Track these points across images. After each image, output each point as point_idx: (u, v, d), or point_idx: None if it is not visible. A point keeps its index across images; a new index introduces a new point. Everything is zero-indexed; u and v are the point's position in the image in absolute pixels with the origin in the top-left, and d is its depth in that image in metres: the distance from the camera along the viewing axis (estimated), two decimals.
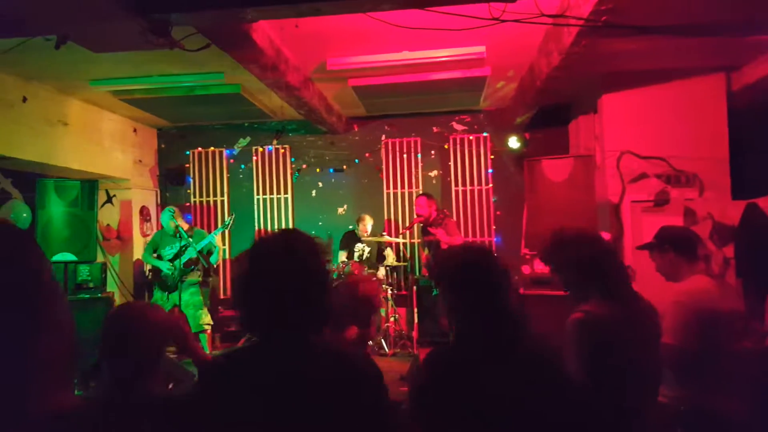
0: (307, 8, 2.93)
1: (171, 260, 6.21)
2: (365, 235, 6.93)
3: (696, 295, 2.76)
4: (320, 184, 7.87)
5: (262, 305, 1.51)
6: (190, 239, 6.07)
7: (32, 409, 0.90)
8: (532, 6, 3.53)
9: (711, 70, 5.64)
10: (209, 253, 6.25)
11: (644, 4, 3.84)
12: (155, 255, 6.32)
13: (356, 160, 7.77)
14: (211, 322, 6.16)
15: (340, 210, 7.78)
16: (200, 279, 6.28)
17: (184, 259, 6.05)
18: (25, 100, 5.61)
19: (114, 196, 7.44)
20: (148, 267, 6.79)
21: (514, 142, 6.97)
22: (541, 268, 5.13)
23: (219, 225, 7.33)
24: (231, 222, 6.50)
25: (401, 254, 7.43)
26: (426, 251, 5.88)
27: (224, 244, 7.75)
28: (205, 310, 6.10)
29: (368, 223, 6.97)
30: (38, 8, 2.77)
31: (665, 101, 5.75)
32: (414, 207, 6.16)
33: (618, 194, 5.79)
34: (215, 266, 6.33)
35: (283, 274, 1.51)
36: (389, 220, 7.63)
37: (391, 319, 6.58)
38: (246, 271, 1.57)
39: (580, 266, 2.29)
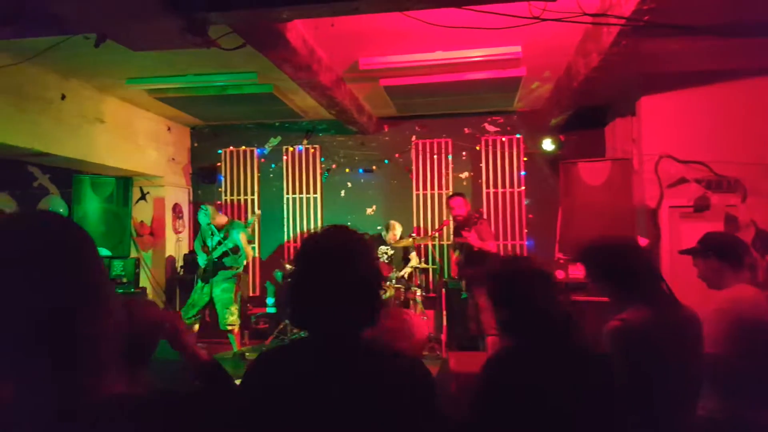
0: (343, 7, 2.90)
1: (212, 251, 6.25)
2: (394, 242, 6.88)
3: (740, 303, 2.66)
4: (349, 184, 7.86)
5: (312, 303, 1.50)
6: (224, 238, 6.11)
7: (85, 395, 0.90)
8: (572, 5, 3.45)
9: (757, 72, 5.45)
10: (235, 250, 6.23)
11: (688, 3, 3.72)
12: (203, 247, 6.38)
13: (386, 161, 7.74)
14: (237, 322, 6.17)
15: (369, 210, 7.76)
16: (238, 272, 6.26)
17: (217, 253, 6.09)
18: (63, 97, 5.71)
19: (148, 193, 7.55)
20: (180, 263, 6.86)
21: (548, 144, 6.85)
22: (575, 273, 5.03)
23: (256, 224, 7.37)
24: (255, 220, 6.52)
25: (430, 257, 7.37)
26: (457, 253, 5.80)
27: (253, 242, 7.79)
28: (233, 309, 6.12)
29: (397, 230, 6.92)
30: (82, 7, 2.81)
31: (707, 104, 5.58)
32: (448, 208, 6.09)
33: (656, 199, 5.65)
34: (240, 267, 6.31)
35: (333, 271, 1.49)
36: (417, 226, 7.58)
37: None
38: (296, 267, 1.57)
39: (618, 275, 2.24)
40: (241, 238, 6.13)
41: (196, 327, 6.19)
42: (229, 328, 6.08)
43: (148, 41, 3.34)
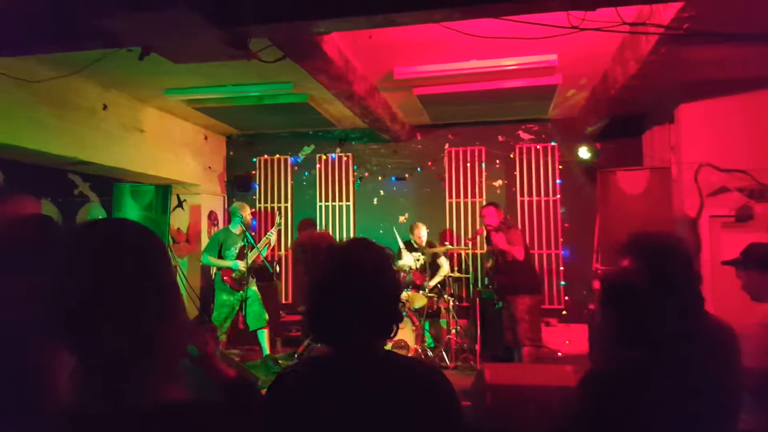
0: (382, 19, 2.93)
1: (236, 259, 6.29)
2: (420, 243, 6.83)
3: None
4: (382, 192, 7.89)
5: (334, 315, 1.51)
6: (255, 242, 6.18)
7: (145, 400, 0.93)
8: (611, 14, 3.42)
9: None
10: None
11: (729, 10, 3.65)
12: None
13: (418, 169, 7.75)
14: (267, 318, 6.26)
15: (401, 218, 7.76)
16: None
17: (250, 259, 6.15)
18: (105, 108, 5.88)
19: (184, 200, 7.69)
20: (213, 269, 6.93)
21: (584, 152, 6.77)
22: None
23: (290, 231, 7.46)
24: (280, 221, 6.60)
25: (464, 265, 7.33)
26: (489, 262, 5.77)
27: (284, 250, 7.87)
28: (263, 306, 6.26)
29: (422, 230, 6.85)
30: (131, 22, 2.90)
31: (748, 111, 5.45)
32: (480, 217, 6.06)
33: (696, 208, 5.53)
34: (276, 272, 6.39)
35: (355, 285, 1.50)
36: (450, 230, 7.55)
37: (452, 331, 6.49)
38: (318, 280, 1.58)
39: (661, 274, 2.16)
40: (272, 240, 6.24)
41: (224, 338, 6.29)
42: (265, 325, 6.16)
43: (191, 54, 3.42)
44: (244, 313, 6.26)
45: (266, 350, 6.20)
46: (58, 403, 1.83)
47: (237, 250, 6.20)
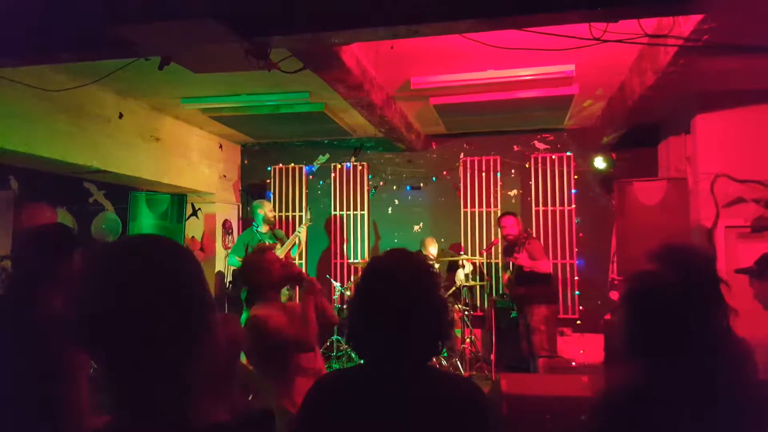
0: (404, 30, 2.94)
1: None
2: (432, 257, 6.84)
3: None
4: (396, 202, 7.89)
5: (376, 330, 1.47)
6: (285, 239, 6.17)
7: (188, 420, 0.92)
8: (633, 25, 3.41)
9: None
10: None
11: (749, 22, 3.63)
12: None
13: (433, 178, 7.75)
14: None
15: (416, 228, 7.76)
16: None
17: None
18: (121, 116, 5.92)
19: (199, 209, 7.73)
20: (229, 279, 6.90)
21: (600, 162, 6.75)
22: None
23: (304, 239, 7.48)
24: (310, 216, 6.59)
25: (480, 273, 7.31)
26: (508, 273, 5.74)
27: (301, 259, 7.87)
28: None
29: (430, 246, 6.88)
30: (153, 32, 2.92)
31: (765, 122, 5.41)
32: (499, 227, 6.04)
33: (711, 219, 5.48)
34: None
35: (402, 298, 1.45)
36: (461, 243, 7.53)
37: (467, 340, 6.46)
38: (360, 293, 1.54)
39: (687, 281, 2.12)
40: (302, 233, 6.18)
41: None
42: None
43: (212, 64, 3.45)
44: None
45: None
46: (80, 415, 1.84)
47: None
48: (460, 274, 6.87)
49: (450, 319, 1.53)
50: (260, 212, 6.25)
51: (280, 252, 6.10)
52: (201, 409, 0.94)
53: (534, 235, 6.31)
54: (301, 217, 8.01)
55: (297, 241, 6.44)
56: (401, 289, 1.47)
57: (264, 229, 6.28)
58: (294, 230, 7.76)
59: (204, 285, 1.00)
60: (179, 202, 6.91)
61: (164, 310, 0.92)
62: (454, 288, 6.76)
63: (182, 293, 0.96)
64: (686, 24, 3.43)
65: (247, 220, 8.02)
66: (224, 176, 7.93)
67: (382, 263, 1.58)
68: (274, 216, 6.43)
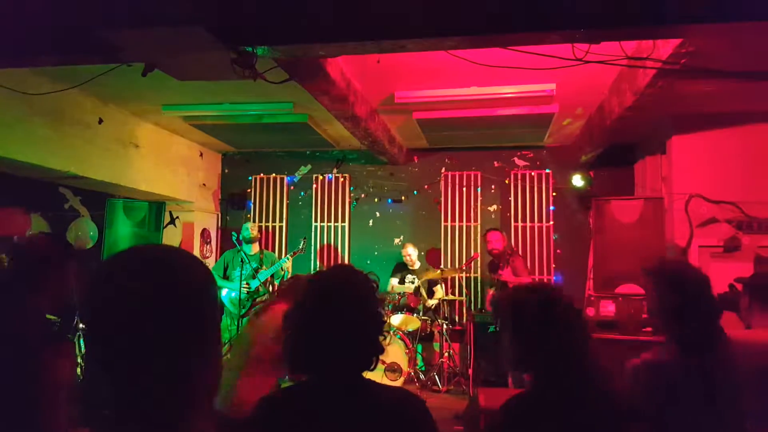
0: (391, 45, 2.97)
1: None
2: (410, 262, 6.87)
3: (751, 346, 2.56)
4: (378, 214, 7.91)
5: (313, 347, 1.51)
6: (262, 263, 6.14)
7: None
8: (614, 47, 3.49)
9: None
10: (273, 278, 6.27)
11: (726, 48, 3.75)
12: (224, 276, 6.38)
13: (415, 192, 7.79)
14: None
15: (397, 240, 7.77)
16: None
17: (256, 283, 6.09)
18: (101, 122, 5.84)
19: (177, 217, 7.64)
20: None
21: (578, 180, 6.85)
22: (606, 310, 4.98)
23: (283, 251, 7.44)
24: (303, 246, 6.58)
25: (459, 288, 7.33)
26: (492, 289, 5.78)
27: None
28: None
29: (409, 248, 6.92)
30: (138, 38, 2.91)
31: (739, 144, 5.57)
32: (484, 242, 6.08)
33: (685, 238, 5.61)
34: None
35: (340, 314, 1.50)
36: (439, 250, 7.56)
37: (445, 354, 6.47)
38: (302, 310, 1.56)
39: (679, 303, 2.14)
40: (287, 264, 6.17)
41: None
42: None
43: (196, 72, 3.43)
44: None
45: None
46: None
47: (247, 272, 6.12)
48: (440, 290, 6.90)
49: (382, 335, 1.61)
50: (250, 234, 6.27)
51: (262, 276, 6.09)
52: (192, 425, 0.93)
53: (517, 252, 6.36)
54: (281, 228, 7.98)
55: (281, 270, 6.43)
56: (344, 307, 1.52)
57: (254, 250, 6.27)
58: (274, 246, 7.75)
59: (215, 296, 0.99)
60: (157, 209, 6.82)
61: (172, 324, 0.90)
62: (435, 302, 6.76)
63: (201, 312, 0.94)
64: (665, 47, 3.53)
65: (226, 230, 7.97)
66: (204, 185, 7.87)
67: (326, 281, 1.62)
68: (256, 235, 6.45)
